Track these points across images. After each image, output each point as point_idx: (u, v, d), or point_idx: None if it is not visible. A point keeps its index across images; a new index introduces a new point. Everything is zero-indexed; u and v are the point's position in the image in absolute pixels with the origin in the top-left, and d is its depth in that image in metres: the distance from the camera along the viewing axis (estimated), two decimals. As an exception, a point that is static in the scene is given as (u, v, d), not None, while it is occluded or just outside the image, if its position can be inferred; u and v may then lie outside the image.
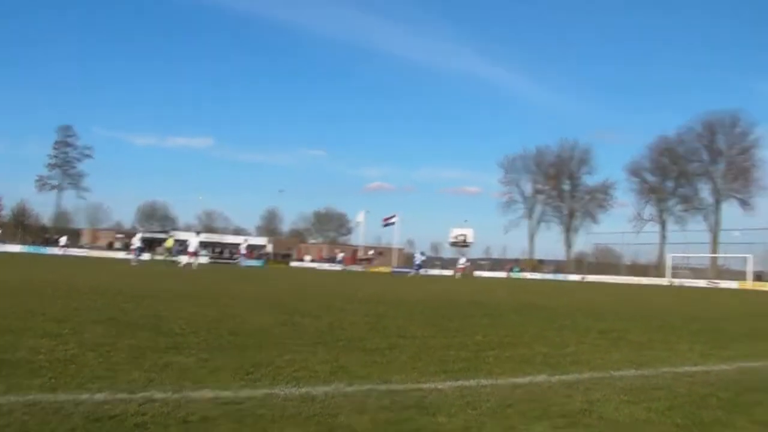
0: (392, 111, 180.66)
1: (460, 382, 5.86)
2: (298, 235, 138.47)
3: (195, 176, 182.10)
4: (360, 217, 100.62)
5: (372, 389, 5.33)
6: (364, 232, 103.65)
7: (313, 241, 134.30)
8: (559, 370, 6.78)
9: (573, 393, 5.61)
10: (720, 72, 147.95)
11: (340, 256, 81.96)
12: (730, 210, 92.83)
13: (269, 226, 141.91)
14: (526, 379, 6.18)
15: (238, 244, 74.05)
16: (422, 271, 66.02)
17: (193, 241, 45.05)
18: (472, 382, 5.88)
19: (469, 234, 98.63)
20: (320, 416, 4.37)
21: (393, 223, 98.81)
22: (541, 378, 6.30)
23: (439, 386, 5.64)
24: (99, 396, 4.57)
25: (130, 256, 48.74)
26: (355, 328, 9.78)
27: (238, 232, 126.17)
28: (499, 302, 19.14)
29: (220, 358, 6.48)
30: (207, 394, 4.83)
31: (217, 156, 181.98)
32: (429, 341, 8.66)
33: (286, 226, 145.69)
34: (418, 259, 66.95)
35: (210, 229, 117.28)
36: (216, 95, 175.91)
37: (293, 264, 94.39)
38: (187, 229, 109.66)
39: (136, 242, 49.01)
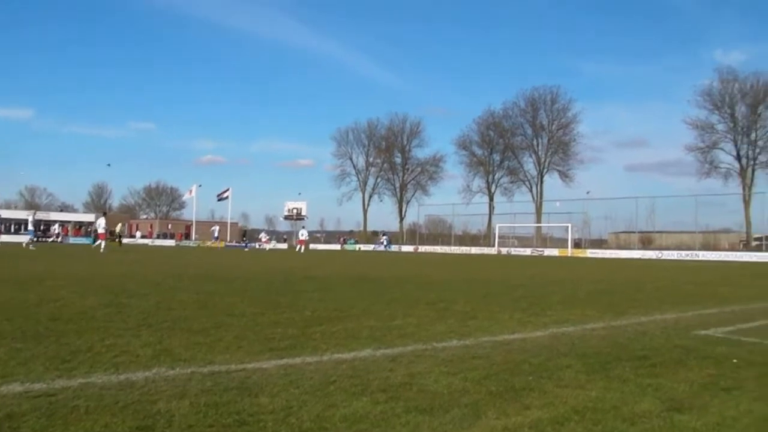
0: (223, 84, 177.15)
1: (284, 361, 5.88)
2: (129, 211, 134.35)
3: (14, 150, 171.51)
4: (192, 192, 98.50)
5: (194, 372, 5.26)
6: (196, 206, 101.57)
7: (144, 216, 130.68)
8: (385, 344, 6.91)
9: (396, 366, 5.74)
10: (545, 52, 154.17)
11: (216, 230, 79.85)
12: (551, 182, 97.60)
13: (97, 202, 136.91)
14: (351, 355, 6.27)
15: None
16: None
17: (101, 221, 42.35)
18: (297, 360, 5.91)
19: (303, 207, 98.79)
20: (138, 403, 4.27)
21: (226, 198, 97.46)
22: (365, 353, 6.41)
23: (264, 365, 5.64)
24: None
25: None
26: (182, 308, 9.62)
27: (63, 208, 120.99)
28: (332, 276, 19.28)
29: (35, 346, 6.18)
30: (16, 388, 4.59)
31: (38, 128, 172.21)
32: (257, 318, 8.63)
33: (115, 202, 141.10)
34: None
35: (33, 206, 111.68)
36: (34, 62, 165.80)
37: (124, 241, 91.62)
38: (7, 206, 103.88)
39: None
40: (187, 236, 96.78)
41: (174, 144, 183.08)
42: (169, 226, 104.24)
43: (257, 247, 70.81)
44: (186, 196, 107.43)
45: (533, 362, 6.09)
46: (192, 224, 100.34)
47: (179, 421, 3.94)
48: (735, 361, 6.44)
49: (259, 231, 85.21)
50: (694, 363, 6.29)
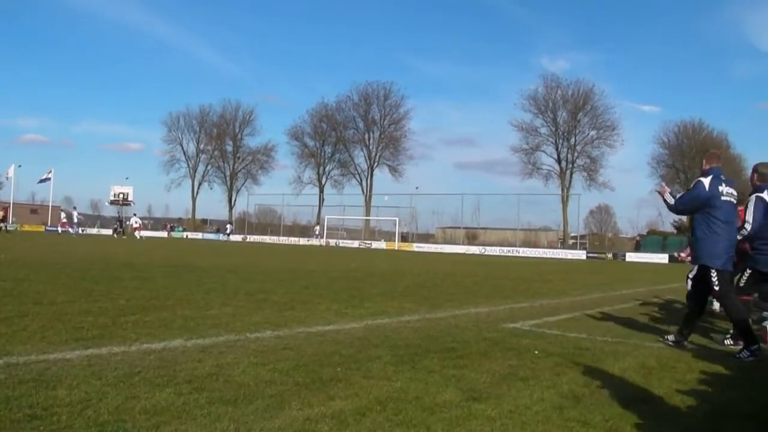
0: (47, 60, 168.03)
1: (90, 351, 5.68)
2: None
3: None
4: (10, 172, 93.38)
5: (-13, 364, 5.00)
6: (14, 188, 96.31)
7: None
8: (197, 334, 6.82)
9: (205, 357, 5.67)
10: (378, 47, 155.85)
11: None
12: (381, 176, 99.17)
13: None
14: (161, 345, 6.15)
15: None
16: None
17: None
18: (104, 351, 5.73)
19: (130, 192, 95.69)
20: None
21: (49, 179, 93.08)
22: (176, 343, 6.30)
23: (67, 356, 5.44)
24: None
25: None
26: (-15, 296, 9.13)
27: None
28: (153, 264, 18.78)
29: None
30: None
31: None
32: (67, 307, 8.30)
33: None
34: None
35: None
36: None
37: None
38: None
39: None
40: (3, 220, 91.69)
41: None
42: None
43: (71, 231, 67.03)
44: (3, 178, 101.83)
45: (344, 353, 6.18)
46: (9, 207, 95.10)
47: (-39, 416, 3.74)
48: (536, 352, 6.78)
49: (83, 215, 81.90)
50: (498, 354, 6.57)
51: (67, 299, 9.10)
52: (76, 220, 69.08)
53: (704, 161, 8.08)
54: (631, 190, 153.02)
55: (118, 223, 75.62)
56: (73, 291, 10.17)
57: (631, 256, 60.49)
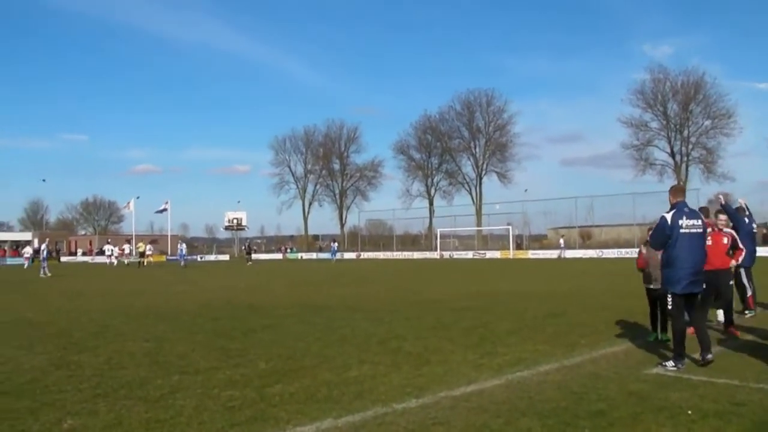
0: (152, 90, 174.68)
1: (248, 442, 5.81)
2: (66, 227, 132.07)
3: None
4: (131, 206, 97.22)
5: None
6: (135, 219, 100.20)
7: (82, 232, 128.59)
8: (344, 408, 6.86)
9: (359, 444, 5.72)
10: (472, 50, 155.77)
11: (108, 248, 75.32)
12: (490, 183, 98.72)
13: (33, 218, 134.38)
14: (313, 427, 6.24)
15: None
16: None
17: None
18: (261, 441, 5.85)
19: (243, 217, 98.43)
20: None
21: (165, 210, 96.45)
22: (327, 423, 6.34)
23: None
24: None
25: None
26: (135, 364, 9.49)
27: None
28: (278, 305, 19.05)
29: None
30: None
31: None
32: (212, 377, 8.51)
33: (52, 217, 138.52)
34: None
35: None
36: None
37: (64, 259, 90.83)
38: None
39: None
40: (143, 255, 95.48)
41: (107, 154, 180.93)
42: (108, 241, 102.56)
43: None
44: (124, 210, 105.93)
45: (494, 427, 6.12)
46: (132, 238, 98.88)
47: None
48: (689, 412, 6.56)
49: (199, 240, 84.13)
50: (650, 417, 6.39)
51: (210, 365, 9.34)
52: (183, 252, 70.34)
53: (670, 196, 9.21)
54: (749, 175, 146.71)
55: (247, 246, 77.54)
56: (211, 352, 10.46)
57: (764, 251, 57.71)
